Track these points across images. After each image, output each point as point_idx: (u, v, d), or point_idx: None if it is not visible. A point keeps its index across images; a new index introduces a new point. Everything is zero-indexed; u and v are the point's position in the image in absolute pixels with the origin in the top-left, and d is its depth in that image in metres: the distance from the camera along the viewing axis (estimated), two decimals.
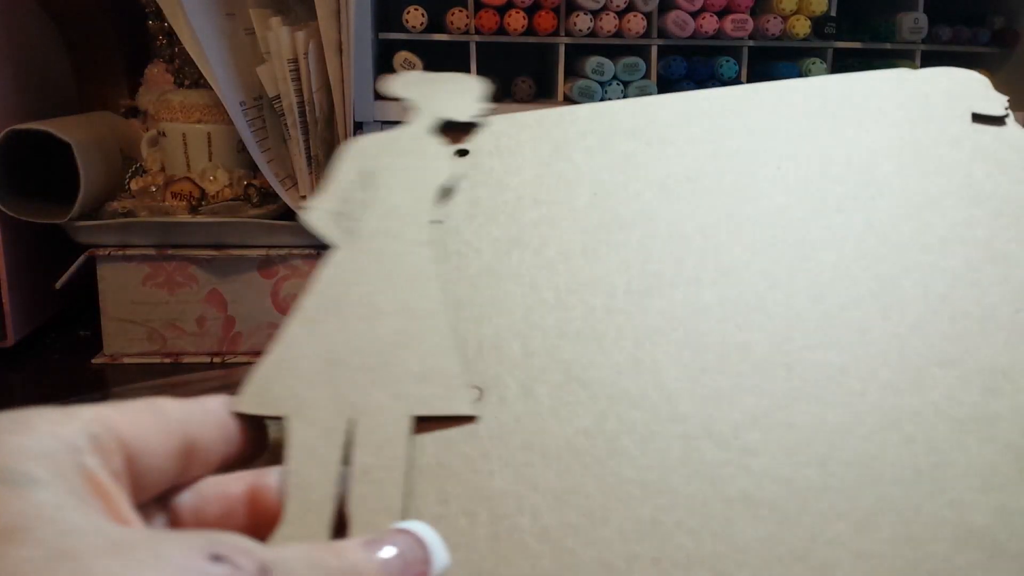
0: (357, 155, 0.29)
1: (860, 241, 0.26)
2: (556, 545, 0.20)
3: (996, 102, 0.30)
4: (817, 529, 0.20)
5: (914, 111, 0.31)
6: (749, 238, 0.26)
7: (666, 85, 0.83)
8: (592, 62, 0.81)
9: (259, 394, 0.22)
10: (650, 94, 0.84)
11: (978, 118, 0.30)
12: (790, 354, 0.23)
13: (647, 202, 0.28)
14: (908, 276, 0.25)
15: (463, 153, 0.30)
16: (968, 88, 0.31)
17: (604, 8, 0.81)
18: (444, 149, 0.29)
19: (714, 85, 0.83)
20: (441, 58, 0.82)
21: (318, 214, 0.27)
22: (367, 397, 0.22)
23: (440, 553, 0.19)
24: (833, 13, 0.84)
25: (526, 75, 0.83)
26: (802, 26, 0.83)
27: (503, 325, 0.25)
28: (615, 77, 0.82)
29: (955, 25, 0.88)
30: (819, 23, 0.84)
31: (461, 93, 0.32)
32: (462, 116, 0.30)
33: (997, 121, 0.30)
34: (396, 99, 0.32)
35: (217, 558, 0.15)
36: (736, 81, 0.83)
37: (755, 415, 0.22)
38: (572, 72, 0.84)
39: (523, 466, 0.21)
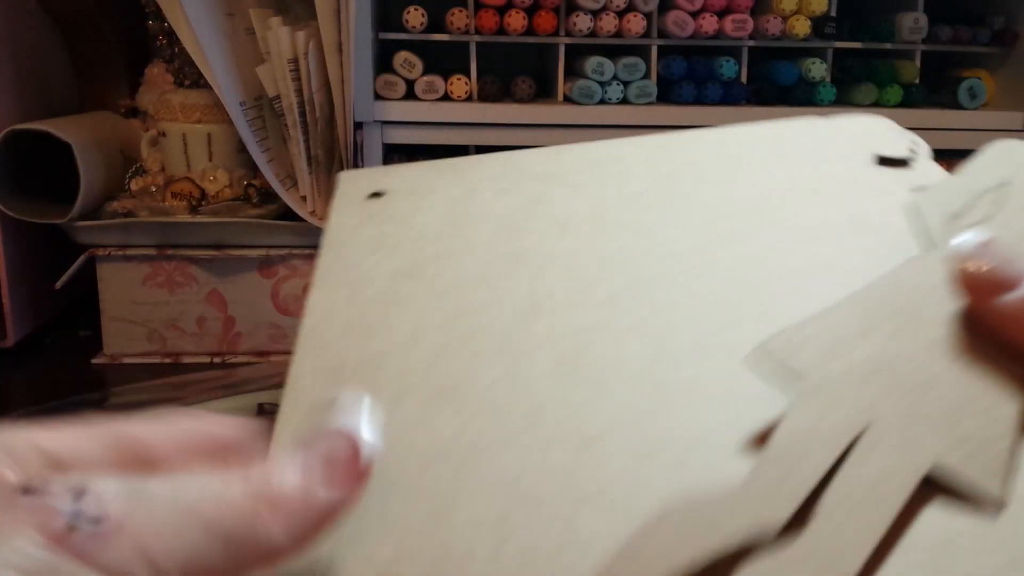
0: (1004, 159, 0.28)
1: (743, 270, 0.27)
2: (403, 532, 0.21)
3: (900, 145, 0.31)
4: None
5: (819, 154, 0.32)
6: (638, 269, 0.28)
7: (666, 85, 0.83)
8: (592, 62, 0.81)
9: (784, 350, 0.22)
10: (650, 94, 0.84)
11: (883, 161, 0.31)
12: (659, 369, 0.24)
13: (547, 237, 0.29)
14: (785, 301, 0.26)
15: (377, 195, 0.32)
16: (873, 132, 0.33)
17: (604, 8, 0.81)
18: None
19: (714, 85, 0.83)
20: (441, 58, 0.82)
21: (930, 203, 0.26)
22: (887, 409, 0.21)
23: (368, 444, 0.19)
24: (833, 13, 0.84)
25: (526, 75, 0.83)
26: (802, 26, 0.83)
27: (385, 345, 0.25)
28: (615, 77, 0.82)
29: (955, 25, 0.88)
30: (819, 23, 0.84)
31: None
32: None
33: (900, 163, 0.31)
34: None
35: (28, 490, 0.16)
36: (736, 81, 0.83)
37: (614, 423, 0.23)
38: (572, 72, 0.84)
39: (377, 473, 0.21)
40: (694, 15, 0.81)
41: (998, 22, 0.90)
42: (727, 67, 0.83)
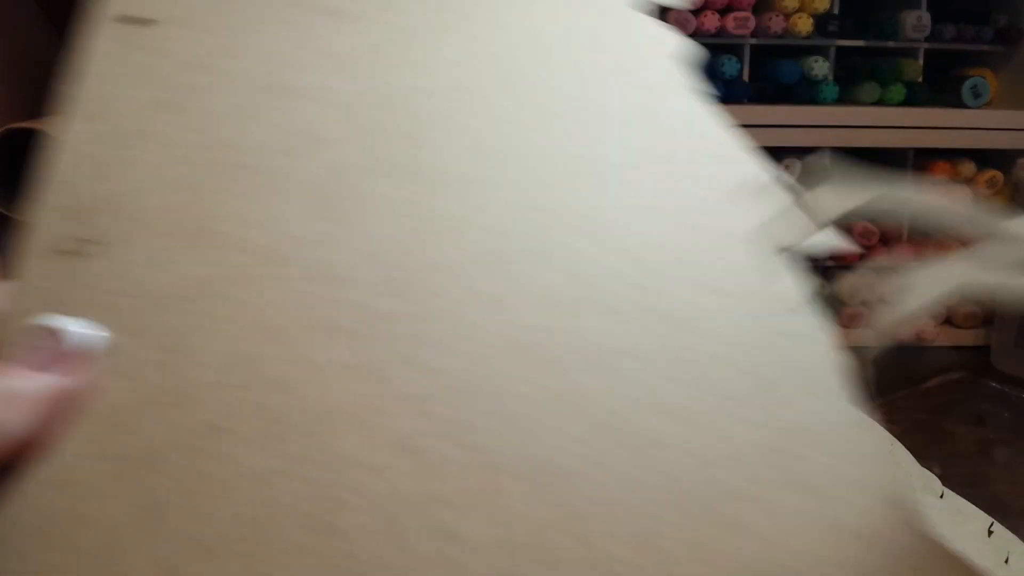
0: None
1: (521, 109, 0.26)
2: (134, 379, 0.21)
3: None
4: (385, 364, 0.21)
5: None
6: (416, 109, 0.26)
7: None
8: None
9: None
10: None
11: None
12: (410, 203, 0.24)
13: (324, 73, 0.27)
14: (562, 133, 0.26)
15: (142, 21, 0.29)
16: None
17: None
18: None
19: (716, 83, 0.82)
20: None
21: None
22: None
23: (94, 336, 0.19)
24: (836, 11, 0.84)
25: None
26: (804, 24, 0.82)
27: (134, 183, 0.24)
28: None
29: (958, 23, 0.87)
30: (822, 21, 0.83)
31: None
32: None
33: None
34: None
35: None
36: (738, 79, 0.82)
37: (370, 258, 0.23)
38: None
39: (109, 312, 0.22)
40: (696, 12, 0.81)
41: (1002, 20, 0.89)
42: (729, 65, 0.82)
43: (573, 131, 0.26)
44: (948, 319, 0.79)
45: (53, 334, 0.19)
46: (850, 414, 0.23)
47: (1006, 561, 0.46)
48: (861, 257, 0.66)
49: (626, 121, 0.27)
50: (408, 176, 0.25)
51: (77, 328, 0.20)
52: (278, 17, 0.30)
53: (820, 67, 0.84)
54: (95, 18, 0.31)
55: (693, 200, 0.26)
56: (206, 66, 0.28)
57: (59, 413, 0.18)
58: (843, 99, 0.85)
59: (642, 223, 0.25)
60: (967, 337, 0.79)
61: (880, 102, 0.85)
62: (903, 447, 0.59)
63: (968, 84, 0.86)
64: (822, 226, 0.25)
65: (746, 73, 0.83)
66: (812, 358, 0.23)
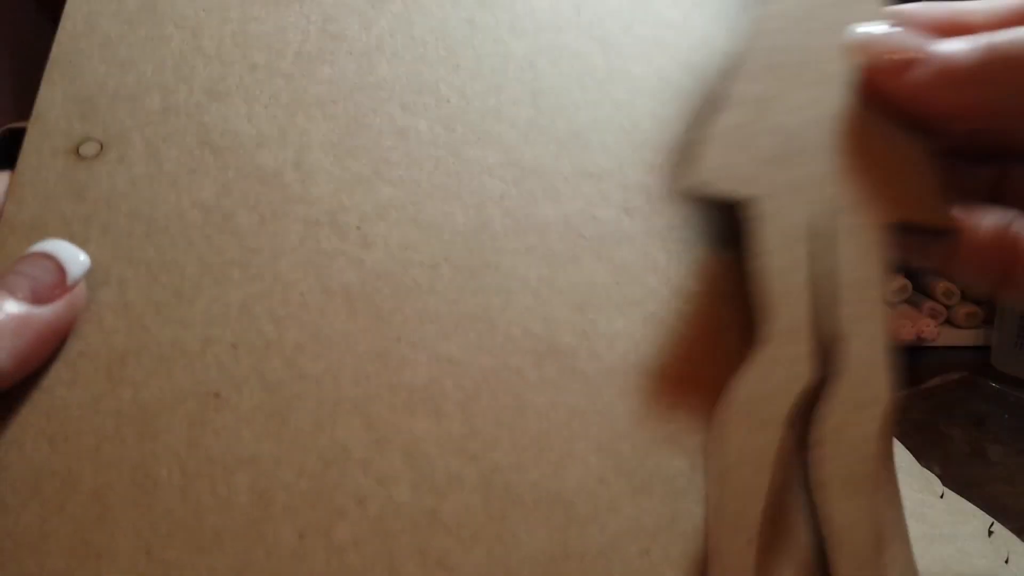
0: None
1: (551, 27, 0.24)
2: (134, 322, 0.19)
3: None
4: (406, 329, 0.20)
5: None
6: (446, 11, 0.24)
7: None
8: None
9: (721, 166, 0.20)
10: None
11: None
12: (444, 146, 0.22)
13: None
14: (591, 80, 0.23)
15: None
16: None
17: None
18: None
19: None
20: None
21: None
22: (837, 192, 0.20)
23: (74, 261, 0.19)
24: None
25: None
26: None
27: (147, 73, 0.22)
28: None
29: None
30: None
31: None
32: None
33: None
34: None
35: None
36: None
37: (386, 207, 0.21)
38: None
39: (124, 236, 0.20)
40: None
41: None
42: None
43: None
44: (948, 319, 0.79)
45: (37, 261, 0.19)
46: None
47: (1006, 561, 0.46)
48: None
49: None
50: (435, 106, 0.22)
51: (62, 253, 0.19)
52: None
53: None
54: None
55: None
56: None
57: (43, 346, 0.18)
58: None
59: None
60: (967, 337, 0.79)
61: None
62: (903, 448, 0.59)
63: None
64: None
65: None
66: None
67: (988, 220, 0.21)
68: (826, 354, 0.20)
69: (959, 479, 0.56)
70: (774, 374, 0.19)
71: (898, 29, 0.20)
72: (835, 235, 0.20)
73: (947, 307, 0.78)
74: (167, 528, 0.18)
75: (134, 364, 0.19)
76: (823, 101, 0.21)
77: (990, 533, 0.49)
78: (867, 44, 0.21)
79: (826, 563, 0.18)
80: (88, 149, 0.21)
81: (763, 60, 0.22)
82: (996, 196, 0.22)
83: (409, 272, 0.21)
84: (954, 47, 0.20)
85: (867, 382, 0.19)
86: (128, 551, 0.17)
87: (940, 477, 0.56)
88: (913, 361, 0.78)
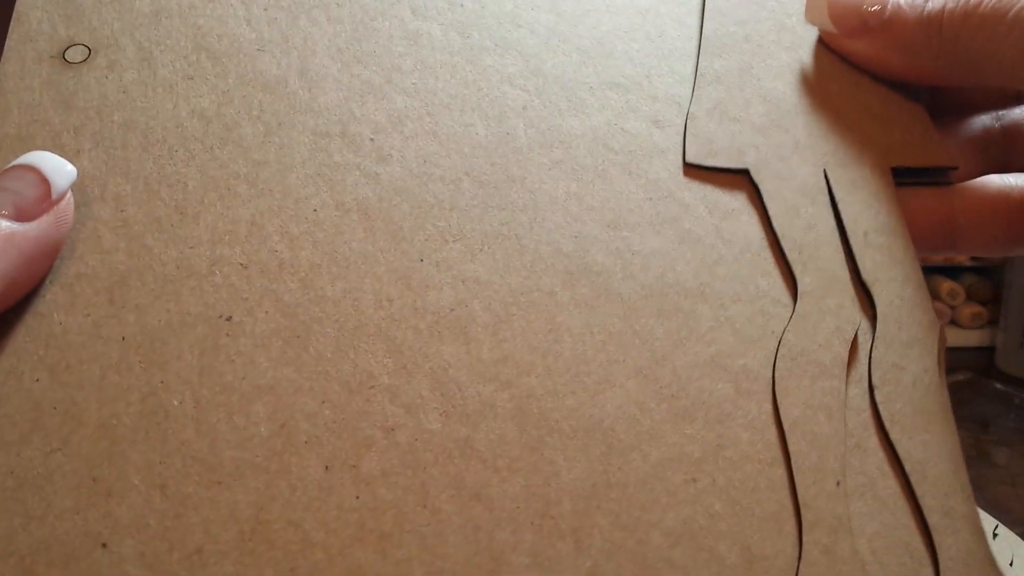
0: None
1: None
2: (134, 241, 0.18)
3: None
4: (428, 248, 0.19)
5: None
6: None
7: None
8: None
9: (707, 144, 0.20)
10: None
11: None
12: (460, 53, 0.21)
13: None
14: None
15: None
16: None
17: None
18: None
19: None
20: None
21: None
22: (832, 145, 0.20)
23: (60, 172, 0.18)
24: None
25: None
26: None
27: None
28: None
29: None
30: None
31: None
32: None
33: None
34: None
35: None
36: None
37: (401, 118, 0.20)
38: None
39: (118, 147, 0.19)
40: None
41: None
42: None
43: None
44: (953, 320, 0.78)
45: (19, 174, 0.18)
46: None
47: (1011, 563, 0.46)
48: None
49: None
50: (449, 10, 0.21)
51: (46, 164, 0.18)
52: None
53: None
54: None
55: None
56: None
57: (33, 263, 0.17)
58: None
59: None
60: (972, 338, 0.78)
61: None
62: None
63: None
64: None
65: None
66: None
67: (993, 182, 0.21)
68: (865, 300, 0.19)
69: None
70: (823, 323, 0.19)
71: None
72: (841, 188, 0.20)
73: (951, 307, 0.78)
74: (182, 461, 0.16)
75: (137, 286, 0.18)
76: (802, 62, 0.21)
77: (995, 535, 0.49)
78: (818, 7, 0.21)
79: (914, 497, 0.18)
80: (75, 54, 0.20)
81: (733, 32, 0.22)
82: (1005, 157, 0.22)
83: (429, 187, 0.19)
84: (902, 6, 0.20)
85: (910, 320, 0.19)
86: (141, 487, 0.16)
87: None
88: None
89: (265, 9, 0.21)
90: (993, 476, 0.60)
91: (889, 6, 0.20)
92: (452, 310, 0.18)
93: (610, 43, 0.22)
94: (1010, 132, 0.22)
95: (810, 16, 0.21)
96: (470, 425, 0.17)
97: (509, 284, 0.19)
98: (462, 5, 0.22)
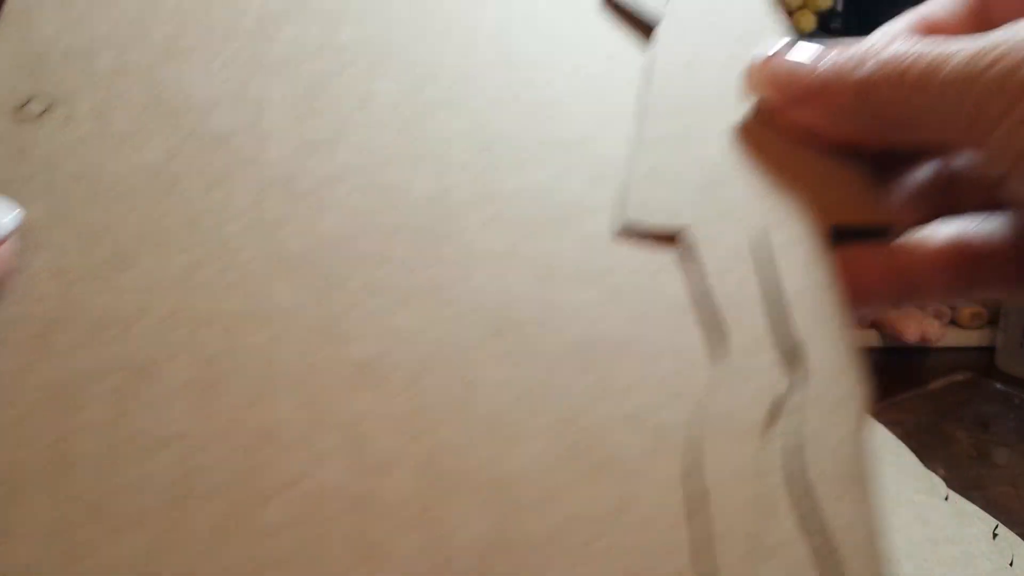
0: None
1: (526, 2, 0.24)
2: (69, 288, 0.18)
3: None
4: (353, 301, 0.19)
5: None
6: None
7: None
8: None
9: (643, 204, 0.20)
10: None
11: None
12: (411, 110, 0.21)
13: None
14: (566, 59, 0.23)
15: None
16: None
17: None
18: None
19: None
20: None
21: None
22: (768, 207, 0.20)
23: (4, 217, 0.18)
24: (839, 8, 0.83)
25: None
26: (808, 21, 0.81)
27: (101, 31, 0.22)
28: None
29: None
30: (825, 18, 0.83)
31: None
32: None
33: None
34: None
35: None
36: None
37: (344, 173, 0.20)
38: None
39: (65, 198, 0.20)
40: None
41: None
42: None
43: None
44: (953, 320, 0.78)
45: None
46: None
47: (1011, 563, 0.46)
48: None
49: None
50: (403, 69, 0.22)
51: (6, 222, 0.18)
52: None
53: None
54: None
55: None
56: None
57: None
58: None
59: None
60: (972, 338, 0.78)
61: None
62: (908, 450, 0.58)
63: None
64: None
65: None
66: None
67: (940, 231, 0.21)
68: (792, 361, 0.19)
69: (964, 481, 0.55)
70: (745, 386, 0.19)
71: (782, 59, 0.21)
72: (774, 249, 0.20)
73: (951, 307, 0.78)
74: (84, 507, 0.17)
75: (64, 333, 0.18)
76: (741, 128, 0.22)
77: (994, 536, 0.49)
78: (754, 80, 0.21)
79: (826, 566, 0.18)
80: (34, 107, 0.20)
81: (677, 98, 0.22)
82: (951, 203, 0.22)
83: (363, 240, 0.20)
84: (836, 73, 0.20)
85: (836, 382, 0.19)
86: (40, 531, 0.16)
87: (945, 479, 0.55)
88: (917, 362, 0.77)
89: (223, 67, 0.22)
90: (993, 476, 0.60)
91: (823, 74, 0.20)
92: (369, 363, 0.18)
93: (559, 103, 0.22)
94: (956, 178, 0.22)
95: (749, 86, 0.22)
96: (376, 478, 0.17)
97: (430, 338, 0.19)
98: (416, 65, 0.22)
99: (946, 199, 0.22)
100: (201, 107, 0.21)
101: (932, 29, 0.22)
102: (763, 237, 0.20)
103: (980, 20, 0.22)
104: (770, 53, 0.21)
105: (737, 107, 0.22)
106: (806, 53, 0.21)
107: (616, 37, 0.23)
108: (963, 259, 0.21)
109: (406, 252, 0.20)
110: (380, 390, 0.18)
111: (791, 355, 0.19)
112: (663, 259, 0.20)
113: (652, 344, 0.19)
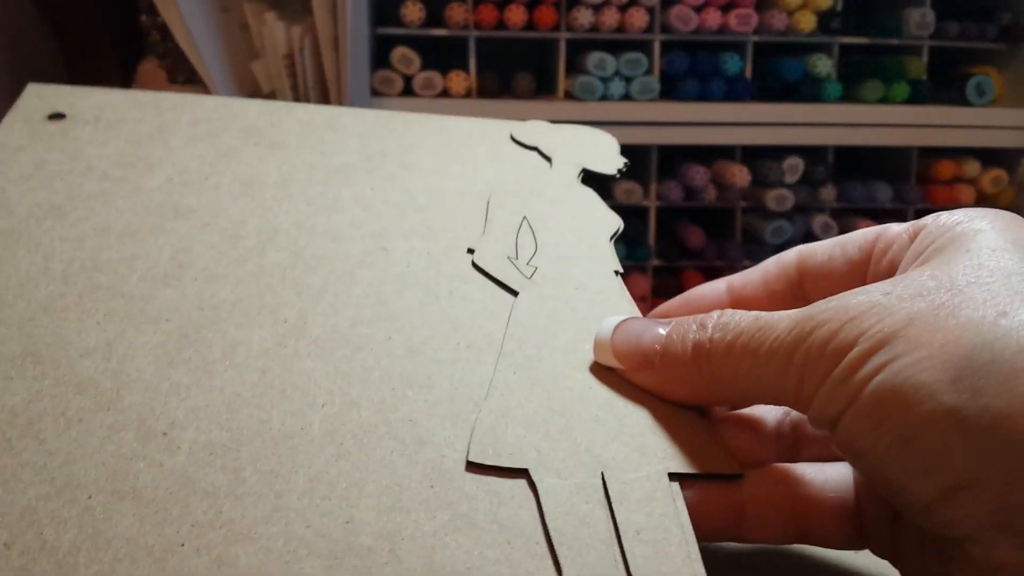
0: (508, 199, 0.29)
1: (406, 269, 0.26)
2: None
3: (612, 165, 0.32)
4: (193, 534, 0.20)
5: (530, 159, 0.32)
6: (300, 249, 0.26)
7: (669, 81, 0.82)
8: (593, 58, 0.80)
9: (492, 444, 0.22)
10: (653, 90, 0.82)
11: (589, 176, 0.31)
12: (275, 359, 0.23)
13: (220, 197, 0.27)
14: (433, 305, 0.25)
15: (58, 116, 0.30)
16: (594, 144, 0.33)
17: (606, 3, 0.79)
18: (599, 200, 0.30)
19: (718, 81, 0.81)
20: (439, 54, 0.81)
21: (490, 256, 0.27)
22: (613, 452, 0.22)
23: None
24: (839, 8, 0.83)
25: (526, 71, 0.82)
26: (807, 21, 0.81)
27: None
28: (617, 73, 0.80)
29: (962, 20, 0.87)
30: (825, 18, 0.83)
31: (598, 147, 0.33)
32: (608, 171, 0.31)
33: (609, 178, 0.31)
34: (528, 147, 0.32)
35: None
36: (740, 77, 0.82)
37: (199, 414, 0.22)
38: (573, 68, 0.83)
39: None
40: (697, 10, 0.80)
41: (1006, 18, 0.89)
42: (731, 63, 0.81)
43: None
44: None
45: None
46: None
47: None
48: None
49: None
50: (271, 323, 0.24)
51: None
52: (191, 131, 0.30)
53: (823, 65, 0.83)
54: (18, 110, 0.30)
55: None
56: (103, 172, 0.28)
57: None
58: (847, 97, 0.85)
59: None
60: None
61: (884, 100, 0.84)
62: None
63: (972, 82, 0.85)
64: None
65: (748, 71, 0.83)
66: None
67: (782, 472, 0.22)
68: None
69: None
70: None
71: (625, 331, 0.23)
72: (616, 491, 0.21)
73: None
74: None
75: None
76: (591, 380, 0.23)
77: None
78: (604, 348, 0.23)
79: None
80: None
81: (530, 348, 0.24)
82: (796, 447, 0.24)
83: (209, 476, 0.21)
84: (675, 343, 0.22)
85: None
86: None
87: None
88: None
89: (98, 322, 0.23)
90: None
91: (663, 345, 0.22)
92: None
93: (420, 350, 0.24)
94: (797, 426, 0.24)
95: (598, 355, 0.24)
96: None
97: (267, 570, 0.19)
98: (286, 321, 0.24)
99: (791, 444, 0.24)
100: (70, 357, 0.22)
101: (747, 304, 0.25)
102: (605, 480, 0.21)
103: (796, 297, 0.24)
104: (614, 325, 0.23)
105: (587, 360, 0.24)
106: (646, 326, 0.23)
107: (478, 291, 0.26)
108: (796, 505, 0.22)
109: (253, 487, 0.20)
110: None
111: None
112: (511, 491, 0.21)
113: (494, 573, 0.20)
